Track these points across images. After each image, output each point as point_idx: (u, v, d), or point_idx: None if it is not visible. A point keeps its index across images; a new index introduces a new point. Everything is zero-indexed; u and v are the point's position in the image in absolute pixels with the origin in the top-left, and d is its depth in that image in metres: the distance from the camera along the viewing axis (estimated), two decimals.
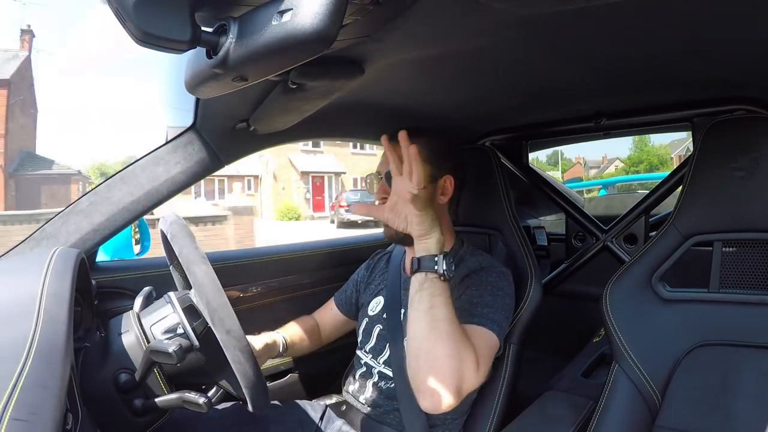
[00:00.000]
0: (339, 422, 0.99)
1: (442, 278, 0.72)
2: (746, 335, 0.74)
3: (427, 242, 0.75)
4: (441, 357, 0.69)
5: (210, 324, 0.64)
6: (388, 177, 0.93)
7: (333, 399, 1.09)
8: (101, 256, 1.15)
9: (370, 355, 0.99)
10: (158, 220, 0.78)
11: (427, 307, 0.71)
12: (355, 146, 21.90)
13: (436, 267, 0.72)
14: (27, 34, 17.40)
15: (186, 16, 0.43)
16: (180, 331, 0.71)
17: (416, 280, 0.74)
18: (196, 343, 0.70)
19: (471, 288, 0.86)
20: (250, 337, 0.87)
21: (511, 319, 0.90)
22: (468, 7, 0.57)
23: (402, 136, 0.74)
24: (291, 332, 1.04)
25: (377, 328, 0.99)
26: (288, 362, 1.26)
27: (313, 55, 0.45)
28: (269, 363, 1.21)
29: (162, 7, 0.41)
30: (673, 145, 29.15)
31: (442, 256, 0.73)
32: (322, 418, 1.00)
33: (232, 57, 0.45)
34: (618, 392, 0.79)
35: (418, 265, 0.74)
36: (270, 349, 0.97)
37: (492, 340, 0.80)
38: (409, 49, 0.72)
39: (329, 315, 1.14)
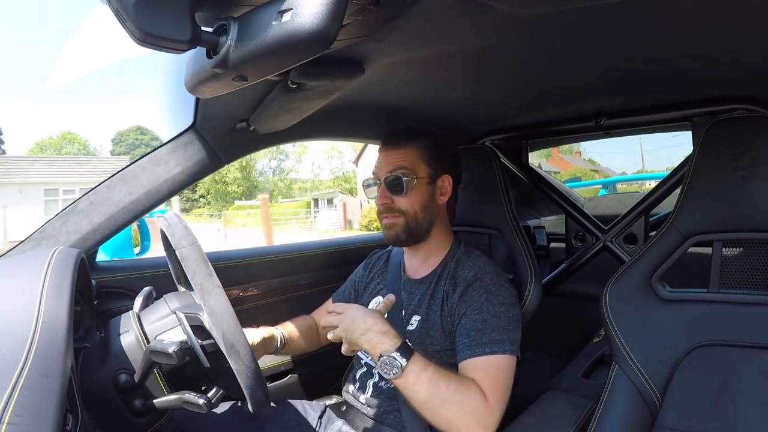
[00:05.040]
0: (339, 422, 0.98)
1: (407, 365, 0.75)
2: (746, 335, 0.74)
3: (379, 350, 0.78)
4: (451, 421, 0.74)
5: (225, 353, 0.64)
6: (388, 182, 0.93)
7: (333, 399, 1.09)
8: (101, 256, 1.15)
9: (370, 356, 0.98)
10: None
11: (418, 401, 0.75)
12: None
13: (395, 372, 0.75)
14: None
15: (186, 16, 0.43)
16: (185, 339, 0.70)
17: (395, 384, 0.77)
18: (207, 363, 0.69)
19: (472, 309, 0.86)
20: (247, 330, 0.86)
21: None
22: (468, 7, 0.57)
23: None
24: (289, 329, 1.04)
25: None
26: (288, 363, 1.26)
27: (313, 55, 0.45)
28: (269, 363, 1.21)
29: (162, 7, 0.41)
30: None
31: (396, 352, 0.76)
32: (321, 419, 0.99)
33: (232, 57, 0.45)
34: (618, 393, 0.79)
35: (380, 375, 0.78)
36: (267, 344, 0.96)
37: (508, 364, 0.82)
38: (409, 49, 0.72)
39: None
